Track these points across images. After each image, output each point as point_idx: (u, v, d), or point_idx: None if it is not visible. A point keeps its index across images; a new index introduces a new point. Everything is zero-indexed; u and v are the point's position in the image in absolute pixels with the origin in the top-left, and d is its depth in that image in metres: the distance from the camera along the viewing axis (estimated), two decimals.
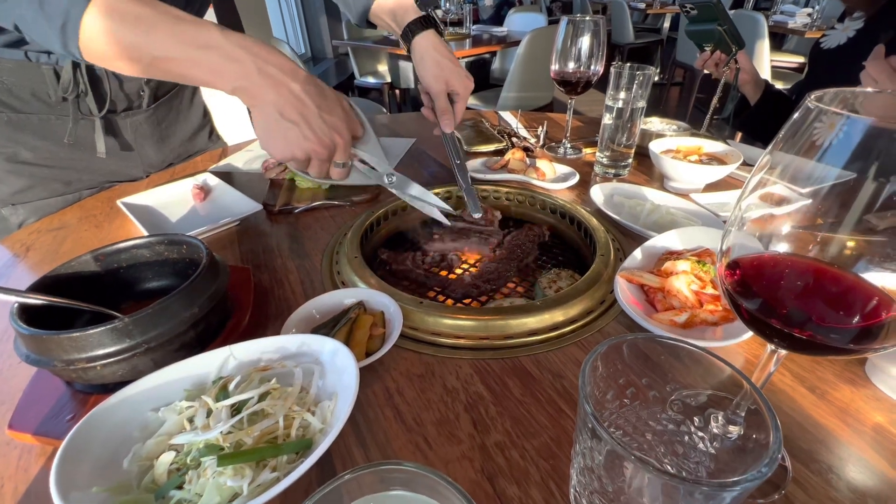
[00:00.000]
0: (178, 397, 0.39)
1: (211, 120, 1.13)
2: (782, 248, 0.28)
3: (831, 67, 1.02)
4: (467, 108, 0.83)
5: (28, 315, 0.41)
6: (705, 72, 1.11)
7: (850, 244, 0.26)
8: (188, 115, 1.03)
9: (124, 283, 0.51)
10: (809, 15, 3.20)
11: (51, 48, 0.48)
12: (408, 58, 1.00)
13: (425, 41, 0.75)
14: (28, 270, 0.66)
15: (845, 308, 0.27)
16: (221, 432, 0.34)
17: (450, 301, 0.64)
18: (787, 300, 0.29)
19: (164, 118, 0.96)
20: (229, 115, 1.40)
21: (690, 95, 3.84)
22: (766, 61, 2.73)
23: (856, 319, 0.27)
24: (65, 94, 0.75)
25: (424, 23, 0.75)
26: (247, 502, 0.30)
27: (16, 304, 0.41)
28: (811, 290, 0.28)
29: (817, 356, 0.46)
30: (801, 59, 3.35)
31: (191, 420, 0.36)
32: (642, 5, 5.18)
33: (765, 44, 2.70)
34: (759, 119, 1.21)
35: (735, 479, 0.23)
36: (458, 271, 0.71)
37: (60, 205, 0.85)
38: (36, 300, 0.41)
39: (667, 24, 5.12)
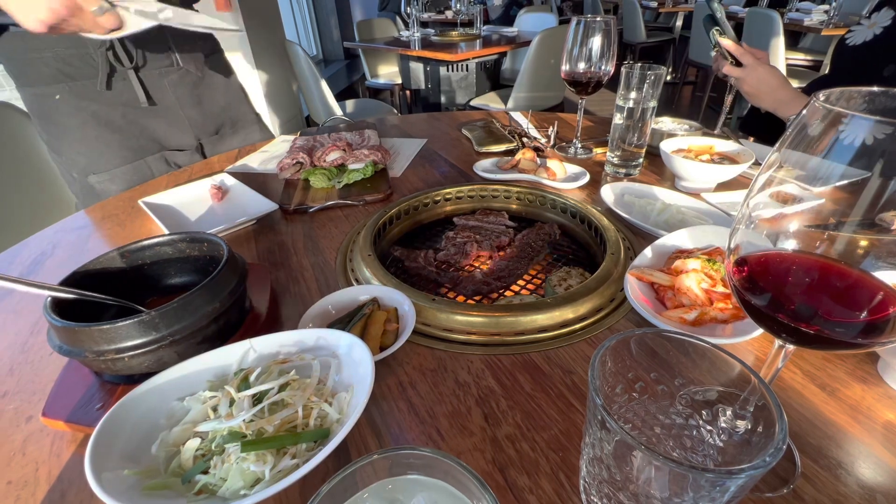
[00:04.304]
0: (201, 387, 0.40)
1: (247, 95, 1.24)
2: (789, 245, 0.29)
3: (856, 65, 0.99)
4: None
5: (60, 308, 0.43)
6: (720, 74, 1.09)
7: (857, 242, 0.26)
8: (224, 83, 1.15)
9: (148, 279, 0.53)
10: (826, 12, 3.14)
11: None
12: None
13: None
14: (55, 267, 0.69)
15: (852, 303, 0.28)
16: (244, 420, 0.36)
17: (461, 298, 0.65)
18: (794, 295, 0.29)
19: (200, 82, 1.07)
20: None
21: (703, 95, 3.81)
22: (781, 59, 2.70)
23: (863, 314, 0.28)
24: (103, 48, 0.85)
25: None
26: (268, 487, 0.31)
27: (49, 298, 0.43)
28: (818, 286, 0.29)
29: (824, 350, 0.46)
30: (817, 58, 3.30)
31: (214, 409, 0.38)
32: (654, 4, 5.12)
33: (780, 42, 2.67)
34: (767, 125, 1.19)
35: (740, 467, 0.24)
36: (470, 269, 0.72)
37: (131, 173, 1.00)
38: (68, 294, 0.43)
39: (679, 23, 5.05)
